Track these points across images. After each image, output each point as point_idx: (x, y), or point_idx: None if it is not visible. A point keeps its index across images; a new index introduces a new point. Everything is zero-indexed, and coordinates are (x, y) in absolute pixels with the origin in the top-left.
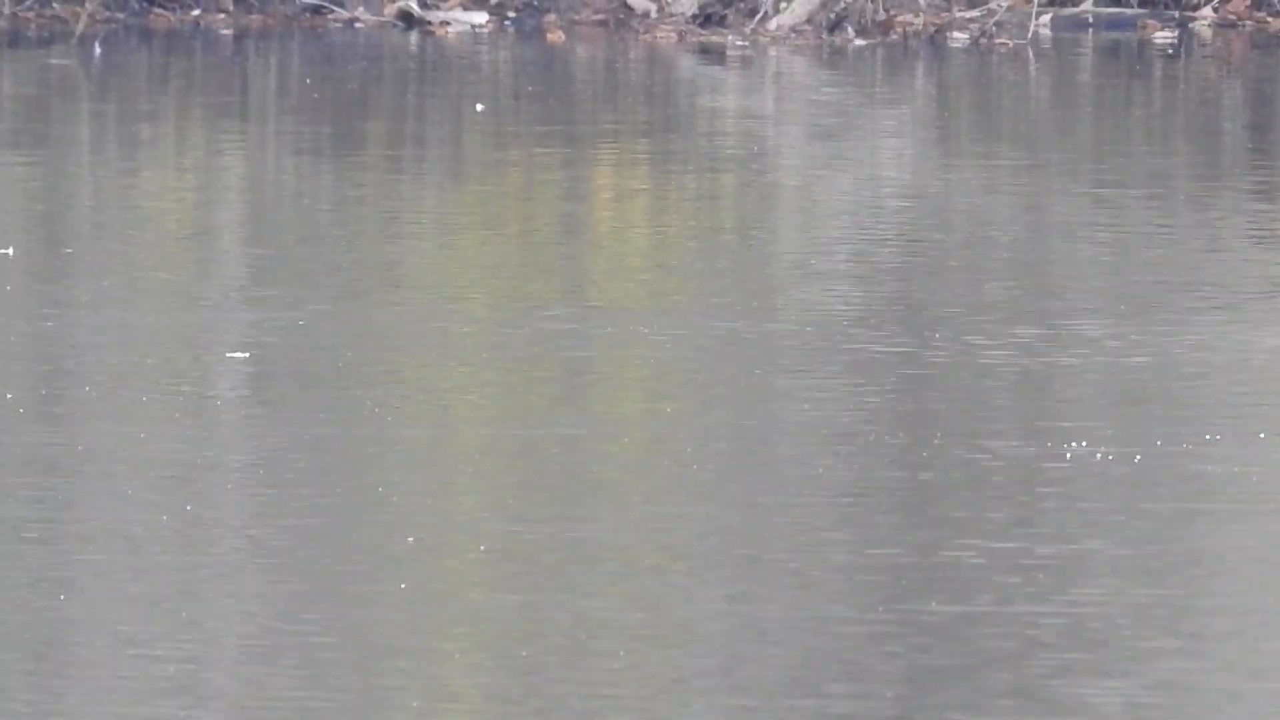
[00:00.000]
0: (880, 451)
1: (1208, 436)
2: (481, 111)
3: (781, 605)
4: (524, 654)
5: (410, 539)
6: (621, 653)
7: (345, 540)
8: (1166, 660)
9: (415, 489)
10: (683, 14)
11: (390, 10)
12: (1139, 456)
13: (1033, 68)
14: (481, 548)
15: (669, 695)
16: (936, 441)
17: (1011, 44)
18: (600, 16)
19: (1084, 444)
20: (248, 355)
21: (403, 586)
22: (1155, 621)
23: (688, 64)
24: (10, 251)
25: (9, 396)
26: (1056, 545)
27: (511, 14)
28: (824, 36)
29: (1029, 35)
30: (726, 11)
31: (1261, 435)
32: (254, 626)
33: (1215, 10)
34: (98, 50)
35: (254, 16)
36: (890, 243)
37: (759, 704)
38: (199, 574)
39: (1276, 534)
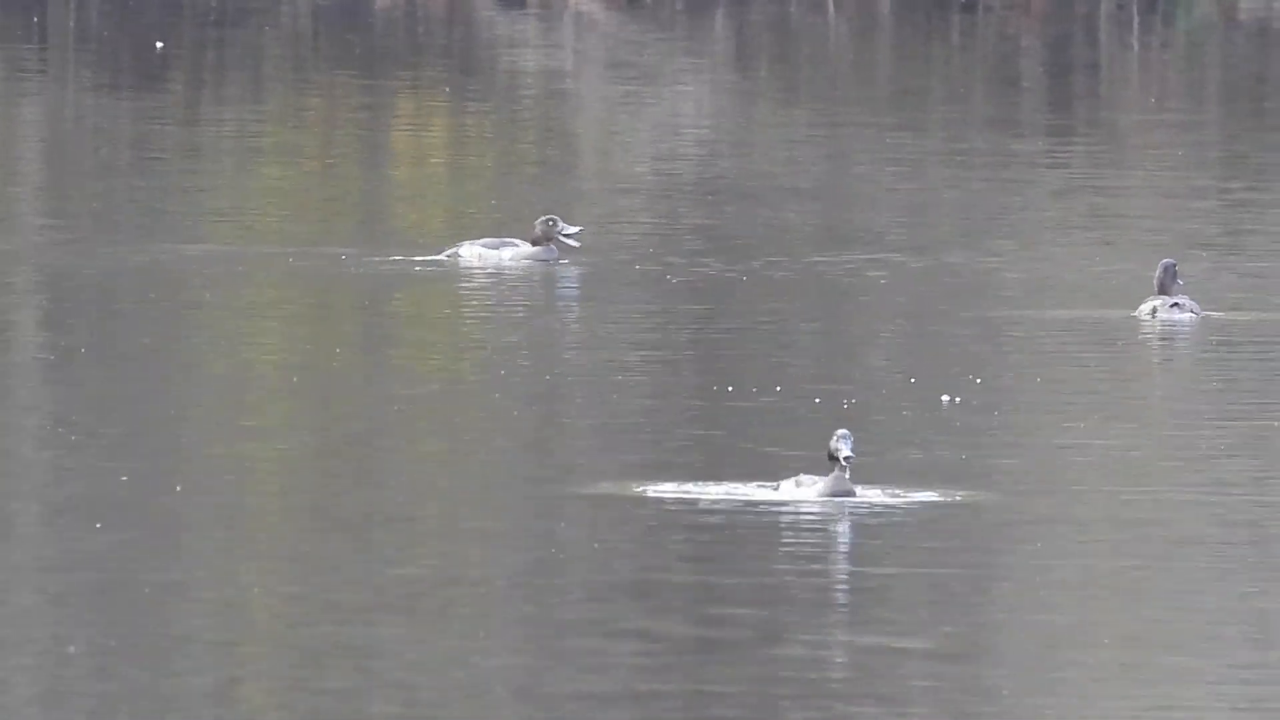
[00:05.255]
0: (675, 388)
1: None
2: (161, 49)
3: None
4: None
5: (177, 488)
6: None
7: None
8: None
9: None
10: None
11: None
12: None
13: (831, 13)
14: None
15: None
16: (730, 389)
17: None
18: None
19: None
20: None
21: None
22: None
23: (488, 7)
24: None
25: None
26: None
27: None
28: None
29: None
30: None
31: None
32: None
33: None
34: None
35: None
36: (687, 176)
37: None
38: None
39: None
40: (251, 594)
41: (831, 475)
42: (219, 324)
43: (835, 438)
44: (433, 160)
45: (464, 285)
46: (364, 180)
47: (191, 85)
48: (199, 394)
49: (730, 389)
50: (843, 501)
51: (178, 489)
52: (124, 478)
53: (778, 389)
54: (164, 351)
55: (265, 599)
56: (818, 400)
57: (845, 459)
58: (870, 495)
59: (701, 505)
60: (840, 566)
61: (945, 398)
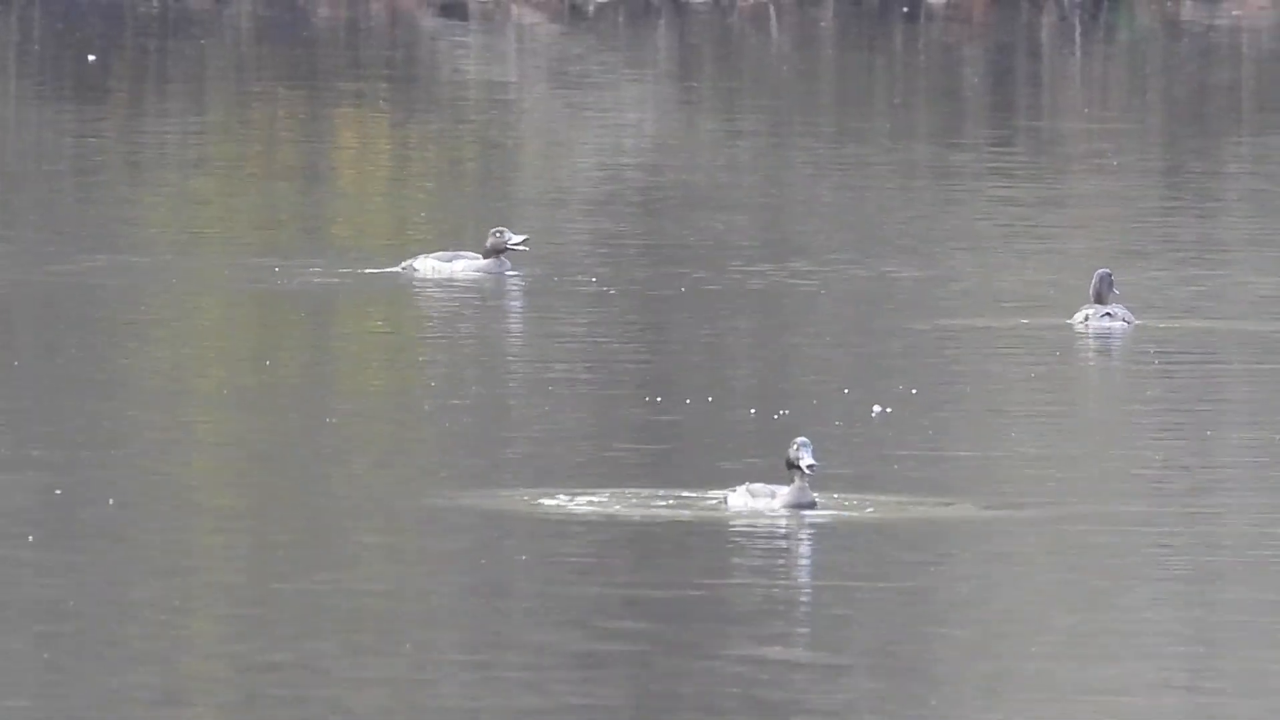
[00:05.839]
0: (621, 403)
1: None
2: (93, 62)
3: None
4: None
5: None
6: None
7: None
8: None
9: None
10: None
11: None
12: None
13: (774, 25)
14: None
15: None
16: (659, 399)
17: (752, 2)
18: None
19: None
20: None
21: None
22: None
23: (430, 19)
24: None
25: None
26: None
27: None
28: None
29: None
30: None
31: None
32: None
33: None
34: None
35: None
36: (629, 187)
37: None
38: None
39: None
40: (186, 609)
41: (794, 485)
42: (156, 337)
43: (795, 446)
44: (375, 172)
45: (413, 297)
46: (306, 193)
47: (131, 97)
48: (134, 407)
49: (659, 400)
50: (805, 512)
51: (110, 502)
52: (58, 491)
53: (709, 400)
54: (99, 364)
55: (200, 614)
56: (753, 411)
57: (808, 468)
58: (831, 506)
59: (654, 518)
60: (791, 579)
61: (876, 408)
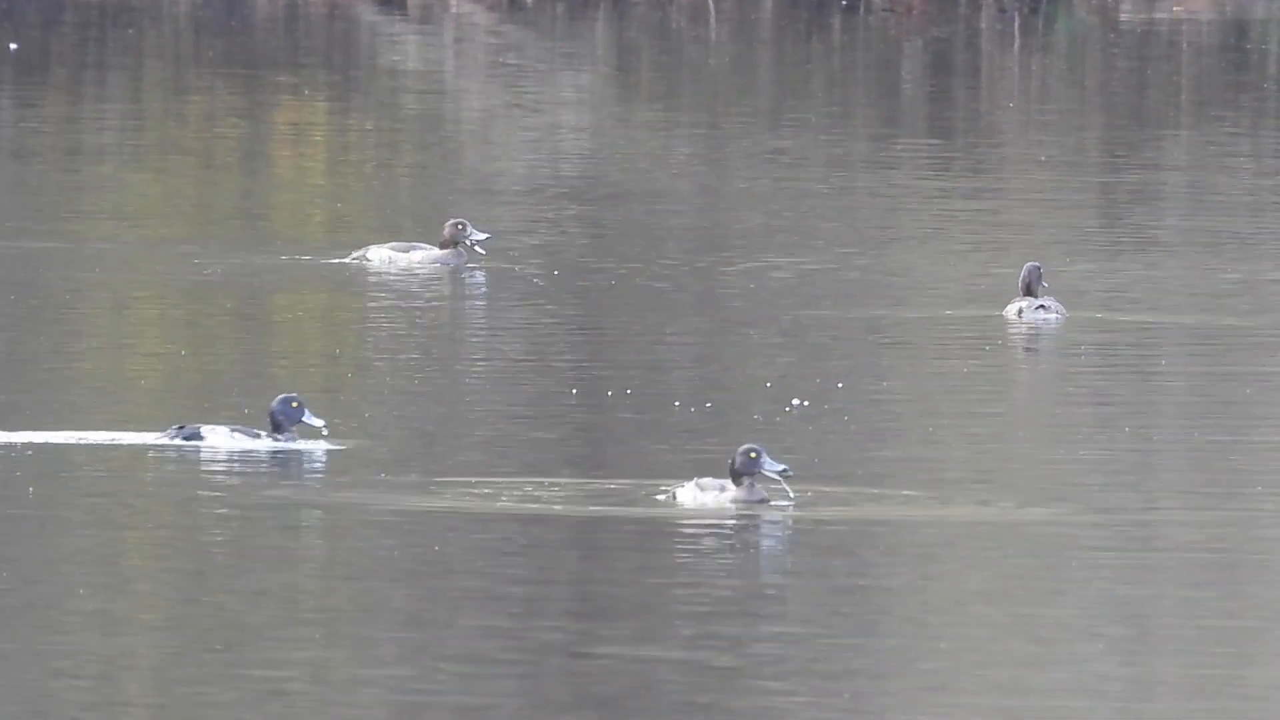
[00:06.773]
0: (557, 387)
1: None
2: (14, 50)
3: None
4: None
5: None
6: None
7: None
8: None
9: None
10: None
11: None
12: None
13: (712, 18)
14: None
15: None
16: (573, 392)
17: None
18: None
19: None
20: None
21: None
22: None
23: (368, 11)
24: None
25: None
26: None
27: None
28: None
29: None
30: None
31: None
32: None
33: None
34: None
35: None
36: (566, 179)
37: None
38: None
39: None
40: (116, 601)
41: (744, 483)
42: (91, 326)
43: (745, 455)
44: (313, 163)
45: (362, 288)
46: (246, 183)
47: (67, 85)
48: (67, 395)
49: (574, 392)
50: (756, 508)
51: (30, 491)
52: None
53: (628, 393)
54: (30, 352)
55: (129, 607)
56: (677, 404)
57: (779, 473)
58: (780, 502)
59: (601, 514)
60: (734, 576)
61: (795, 401)
